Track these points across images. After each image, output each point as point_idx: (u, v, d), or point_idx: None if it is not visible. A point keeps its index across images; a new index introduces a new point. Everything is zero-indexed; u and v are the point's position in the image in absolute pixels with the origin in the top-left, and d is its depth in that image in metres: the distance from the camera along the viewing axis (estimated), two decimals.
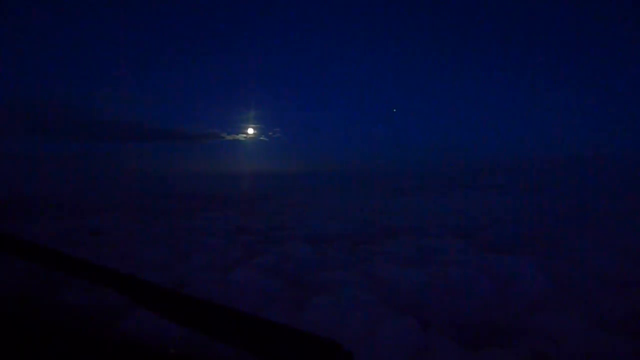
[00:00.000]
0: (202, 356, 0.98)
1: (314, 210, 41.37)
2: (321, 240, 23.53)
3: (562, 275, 13.99)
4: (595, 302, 11.70)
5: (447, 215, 36.46)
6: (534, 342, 9.37)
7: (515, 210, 38.87)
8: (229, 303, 0.89)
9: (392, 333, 9.30)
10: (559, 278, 13.59)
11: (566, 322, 10.25)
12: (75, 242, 24.18)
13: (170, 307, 0.94)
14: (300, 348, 0.79)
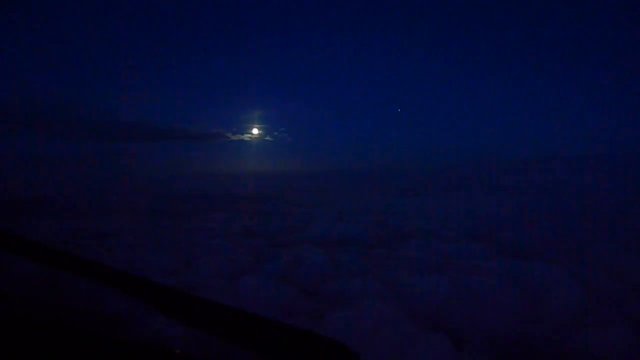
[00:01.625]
0: (208, 357, 0.95)
1: (321, 211, 40.40)
2: (332, 244, 22.61)
3: (597, 284, 13.01)
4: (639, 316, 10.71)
5: (458, 216, 35.45)
6: None
7: (528, 212, 37.77)
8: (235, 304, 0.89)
9: (425, 352, 8.37)
10: (594, 288, 12.59)
11: (611, 340, 9.29)
12: (79, 245, 23.48)
13: (176, 308, 0.94)
14: (306, 349, 0.79)
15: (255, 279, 14.62)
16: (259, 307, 11.73)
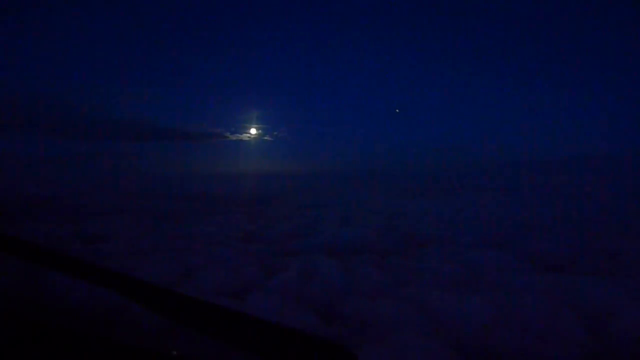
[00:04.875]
0: (205, 358, 0.93)
1: (326, 214, 38.51)
2: (343, 251, 20.86)
3: None
4: None
5: (470, 220, 33.71)
6: None
7: (543, 216, 35.98)
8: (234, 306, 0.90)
9: None
10: None
11: None
12: (70, 250, 21.77)
13: (174, 309, 0.94)
14: (303, 350, 0.79)
15: (263, 297, 12.82)
16: None
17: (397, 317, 10.43)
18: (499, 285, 13.40)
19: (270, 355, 0.78)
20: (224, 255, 20.14)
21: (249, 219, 34.94)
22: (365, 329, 9.86)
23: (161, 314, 0.90)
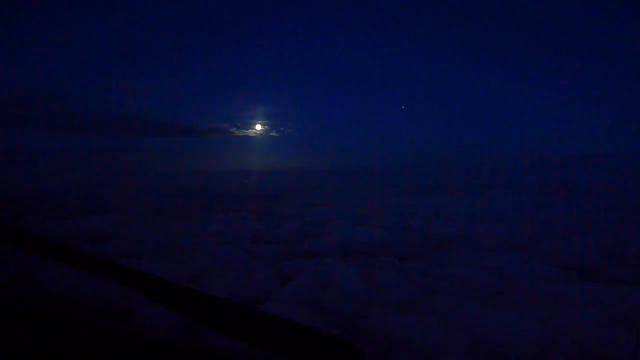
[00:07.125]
0: (212, 352, 0.93)
1: (336, 212, 37.32)
2: (358, 254, 19.70)
3: None
4: None
5: (487, 219, 32.28)
6: None
7: (563, 216, 34.45)
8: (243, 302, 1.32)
9: None
10: None
11: None
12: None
13: (181, 303, 0.93)
14: (311, 345, 0.79)
15: (278, 307, 11.69)
16: None
17: (430, 334, 9.22)
18: (536, 297, 12.14)
19: (277, 350, 0.76)
20: (232, 257, 19.08)
21: (257, 217, 33.80)
22: (395, 348, 8.67)
23: (168, 308, 0.86)
